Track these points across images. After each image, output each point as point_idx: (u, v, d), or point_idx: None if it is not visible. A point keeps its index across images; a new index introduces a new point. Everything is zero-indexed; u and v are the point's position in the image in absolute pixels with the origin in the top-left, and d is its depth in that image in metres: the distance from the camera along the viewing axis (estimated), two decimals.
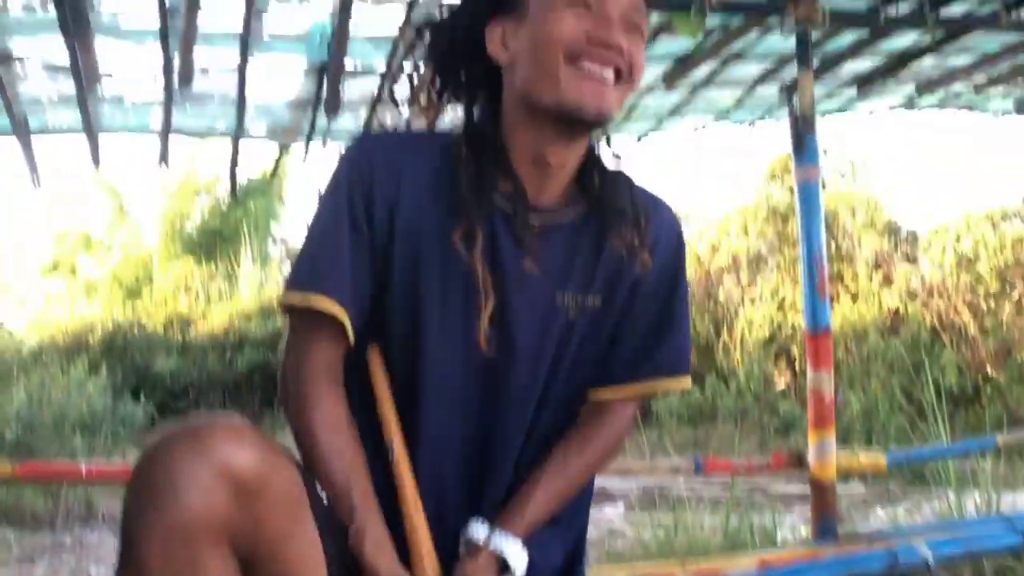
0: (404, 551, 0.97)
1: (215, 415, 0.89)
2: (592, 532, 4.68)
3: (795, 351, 8.61)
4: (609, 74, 1.02)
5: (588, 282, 1.07)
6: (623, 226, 1.05)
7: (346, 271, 1.02)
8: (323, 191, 1.07)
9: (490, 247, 1.03)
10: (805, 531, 4.32)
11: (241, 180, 12.16)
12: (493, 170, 1.02)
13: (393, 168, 1.03)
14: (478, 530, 1.00)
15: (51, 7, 2.38)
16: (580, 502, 1.14)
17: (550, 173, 1.04)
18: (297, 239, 11.79)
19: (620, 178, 1.10)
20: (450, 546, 1.01)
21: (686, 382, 1.14)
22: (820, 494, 2.68)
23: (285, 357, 1.06)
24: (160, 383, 9.57)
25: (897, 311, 8.44)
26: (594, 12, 1.01)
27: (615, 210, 1.06)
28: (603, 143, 1.12)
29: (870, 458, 2.78)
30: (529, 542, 1.03)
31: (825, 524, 2.68)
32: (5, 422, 5.61)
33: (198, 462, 0.79)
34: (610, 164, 1.12)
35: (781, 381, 8.60)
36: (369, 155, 1.05)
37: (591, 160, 1.10)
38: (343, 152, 1.08)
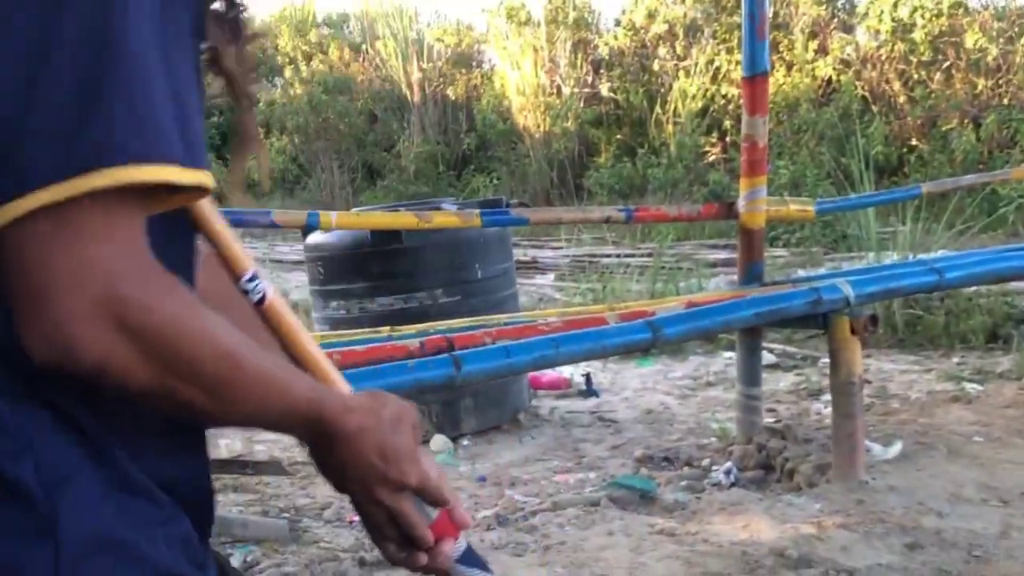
0: None
1: None
2: (523, 300, 4.74)
3: (727, 123, 8.54)
4: None
5: None
6: None
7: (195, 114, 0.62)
8: None
9: None
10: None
11: None
12: None
13: None
14: None
15: None
16: None
17: None
18: None
19: None
20: None
21: None
22: (748, 241, 2.67)
23: (82, 253, 0.55)
24: None
25: (830, 81, 8.36)
26: None
27: None
28: None
29: (799, 205, 2.76)
30: None
31: (752, 271, 2.69)
32: None
33: None
34: None
35: (712, 153, 8.58)
36: None
37: None
38: None
